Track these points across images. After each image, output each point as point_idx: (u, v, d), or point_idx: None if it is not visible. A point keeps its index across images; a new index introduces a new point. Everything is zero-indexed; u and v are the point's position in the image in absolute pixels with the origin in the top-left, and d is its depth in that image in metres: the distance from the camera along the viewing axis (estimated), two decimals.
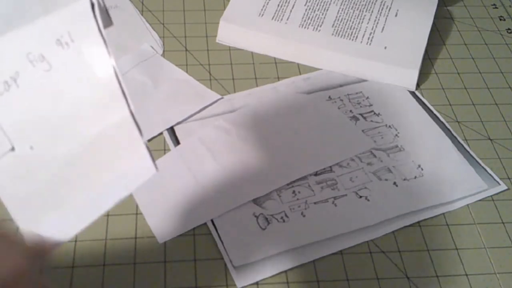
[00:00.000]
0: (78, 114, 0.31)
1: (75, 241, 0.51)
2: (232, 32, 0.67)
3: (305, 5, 0.70)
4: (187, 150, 0.58)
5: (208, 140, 0.58)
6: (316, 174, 0.57)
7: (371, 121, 0.62)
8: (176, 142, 0.58)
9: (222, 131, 0.59)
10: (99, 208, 0.32)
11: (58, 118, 0.31)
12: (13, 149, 0.30)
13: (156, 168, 0.33)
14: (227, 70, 0.66)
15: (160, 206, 0.53)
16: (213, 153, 0.57)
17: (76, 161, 0.31)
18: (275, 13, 0.69)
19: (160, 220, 0.53)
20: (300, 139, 0.59)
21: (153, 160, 0.33)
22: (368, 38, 0.67)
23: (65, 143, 0.31)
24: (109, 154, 0.32)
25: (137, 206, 0.53)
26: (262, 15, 0.68)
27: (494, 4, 0.77)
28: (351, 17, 0.69)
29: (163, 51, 0.67)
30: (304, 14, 0.69)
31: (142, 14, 0.70)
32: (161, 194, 0.54)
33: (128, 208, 0.53)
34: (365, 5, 0.70)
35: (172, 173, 0.55)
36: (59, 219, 0.32)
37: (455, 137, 0.61)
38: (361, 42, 0.67)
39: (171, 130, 0.59)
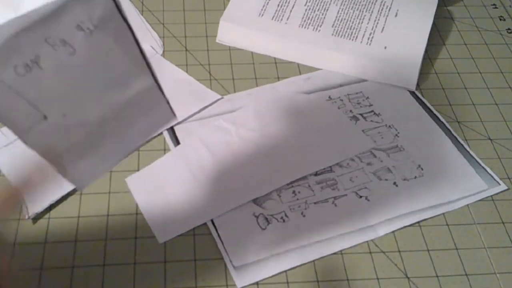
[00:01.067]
0: (107, 88, 0.34)
1: (75, 240, 0.51)
2: (232, 32, 0.67)
3: (305, 5, 0.70)
4: (187, 150, 0.58)
5: (208, 140, 0.58)
6: (316, 174, 0.57)
7: (371, 121, 0.62)
8: (176, 142, 0.58)
9: (222, 131, 0.59)
10: (126, 150, 0.37)
11: (88, 92, 0.34)
12: (45, 117, 0.32)
13: (175, 115, 0.38)
14: (227, 70, 0.65)
15: (160, 206, 0.53)
16: (213, 153, 0.57)
17: (107, 121, 0.35)
18: (275, 13, 0.69)
19: (160, 220, 0.53)
20: (300, 139, 0.59)
21: (173, 111, 0.38)
22: (368, 38, 0.67)
23: (96, 110, 0.34)
24: (137, 112, 0.36)
25: (137, 206, 0.53)
26: (262, 15, 0.68)
27: (494, 4, 0.77)
28: (351, 17, 0.69)
29: (163, 51, 0.67)
30: (304, 14, 0.69)
31: (142, 14, 0.70)
32: (161, 194, 0.54)
33: (128, 208, 0.53)
34: (365, 5, 0.70)
35: (172, 173, 0.56)
36: (90, 165, 0.36)
37: (455, 137, 0.61)
38: (361, 42, 0.67)
39: (171, 130, 0.59)
